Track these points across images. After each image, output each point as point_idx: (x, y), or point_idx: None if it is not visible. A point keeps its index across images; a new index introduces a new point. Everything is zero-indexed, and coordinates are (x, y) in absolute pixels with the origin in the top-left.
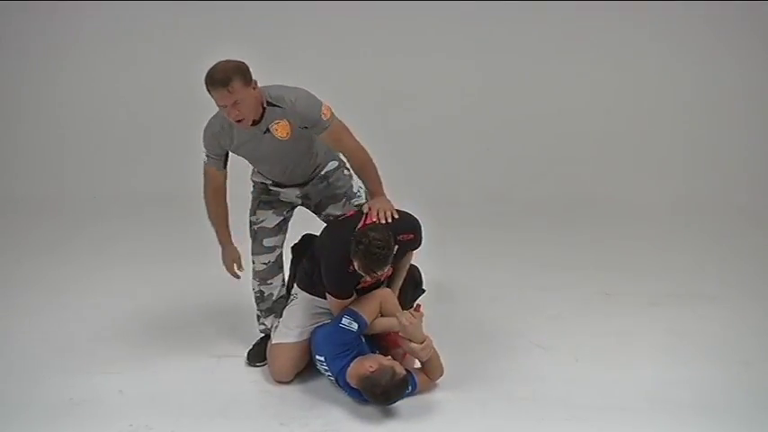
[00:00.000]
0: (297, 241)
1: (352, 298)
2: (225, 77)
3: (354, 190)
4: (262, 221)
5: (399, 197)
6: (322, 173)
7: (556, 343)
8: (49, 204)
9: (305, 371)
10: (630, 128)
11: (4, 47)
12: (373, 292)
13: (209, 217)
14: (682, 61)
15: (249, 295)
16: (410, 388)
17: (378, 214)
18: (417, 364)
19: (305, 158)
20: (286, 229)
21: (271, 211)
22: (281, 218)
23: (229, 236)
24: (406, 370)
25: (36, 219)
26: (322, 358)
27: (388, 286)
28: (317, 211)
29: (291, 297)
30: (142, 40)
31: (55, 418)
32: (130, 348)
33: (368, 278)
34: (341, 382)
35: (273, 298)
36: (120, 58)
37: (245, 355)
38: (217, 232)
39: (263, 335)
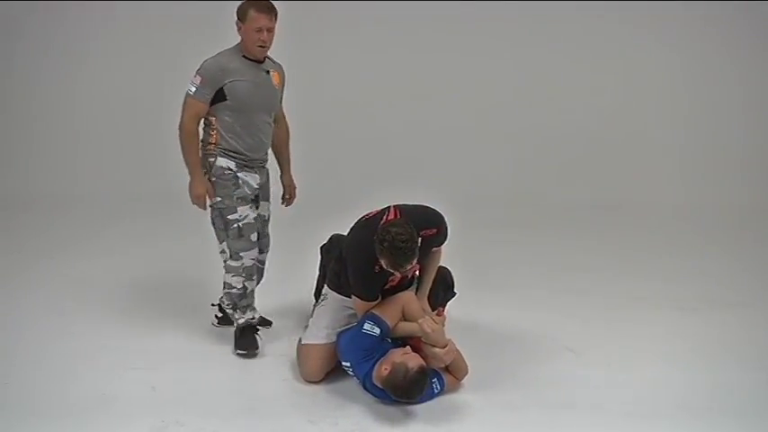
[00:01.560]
0: (325, 242)
1: (378, 300)
2: (273, 6)
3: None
4: (245, 217)
5: (429, 198)
6: (266, 166)
7: (586, 347)
8: (77, 201)
9: (335, 370)
10: (661, 132)
11: (22, 44)
12: (396, 295)
13: (188, 144)
14: (710, 69)
15: (280, 295)
16: (438, 387)
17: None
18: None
19: (272, 127)
20: None
21: (248, 207)
22: (257, 213)
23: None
24: (434, 370)
25: (63, 215)
26: (348, 364)
27: (417, 289)
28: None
29: (322, 297)
30: (153, 41)
31: (88, 413)
32: (162, 346)
33: (396, 274)
34: (368, 385)
35: (253, 292)
36: (127, 60)
37: (233, 344)
38: (194, 165)
39: (245, 325)
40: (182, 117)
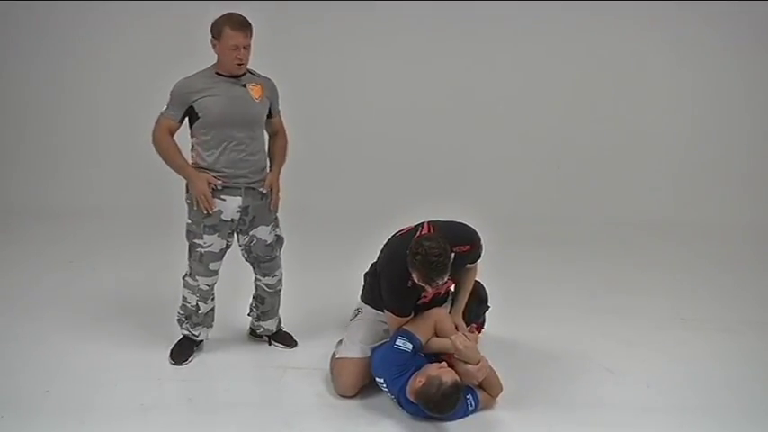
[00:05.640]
0: (368, 269)
1: (411, 316)
2: (248, 23)
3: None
4: (209, 246)
5: (465, 214)
6: (262, 190)
7: (626, 367)
8: (99, 212)
9: (369, 385)
10: (705, 151)
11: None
12: (429, 311)
13: (170, 155)
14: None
15: (317, 307)
16: (473, 404)
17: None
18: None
19: (259, 145)
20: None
21: (216, 235)
22: (225, 242)
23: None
24: (469, 387)
25: (90, 226)
26: (381, 380)
27: (451, 306)
28: (247, 229)
29: (356, 311)
30: (153, 49)
31: (126, 423)
32: (200, 358)
33: (429, 289)
34: (402, 400)
35: (206, 313)
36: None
37: (169, 353)
38: (182, 167)
39: (185, 336)
40: (153, 132)
